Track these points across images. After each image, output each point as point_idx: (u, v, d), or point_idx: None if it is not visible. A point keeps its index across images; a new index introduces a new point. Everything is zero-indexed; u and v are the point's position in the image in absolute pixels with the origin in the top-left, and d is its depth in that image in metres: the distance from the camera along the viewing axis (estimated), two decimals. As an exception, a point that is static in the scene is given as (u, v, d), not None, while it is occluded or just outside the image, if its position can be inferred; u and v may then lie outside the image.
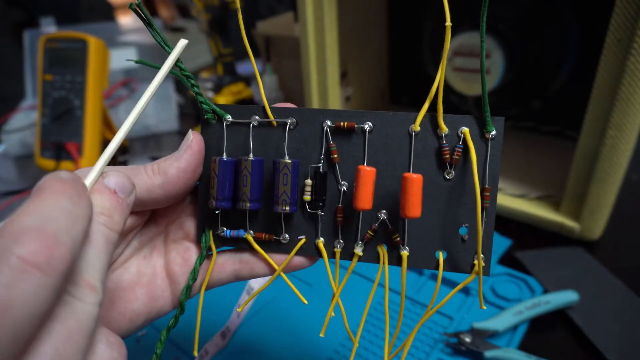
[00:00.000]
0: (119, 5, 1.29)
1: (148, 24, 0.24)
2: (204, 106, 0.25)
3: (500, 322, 0.39)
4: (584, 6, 0.56)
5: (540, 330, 0.40)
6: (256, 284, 0.43)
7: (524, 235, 0.52)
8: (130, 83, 0.87)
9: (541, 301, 0.40)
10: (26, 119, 0.79)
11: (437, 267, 0.25)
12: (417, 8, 0.69)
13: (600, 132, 0.43)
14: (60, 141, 0.64)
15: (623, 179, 0.46)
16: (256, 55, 0.93)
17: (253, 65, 0.26)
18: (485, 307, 0.24)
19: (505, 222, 0.54)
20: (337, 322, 0.41)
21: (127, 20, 1.28)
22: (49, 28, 0.88)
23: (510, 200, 0.54)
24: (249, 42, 0.25)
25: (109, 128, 0.72)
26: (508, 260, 0.48)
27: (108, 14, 1.19)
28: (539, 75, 0.62)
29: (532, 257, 0.48)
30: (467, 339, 0.37)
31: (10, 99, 0.91)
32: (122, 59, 0.89)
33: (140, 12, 0.23)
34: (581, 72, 0.59)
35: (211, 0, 0.78)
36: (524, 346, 0.38)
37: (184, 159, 0.24)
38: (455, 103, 0.68)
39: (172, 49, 0.25)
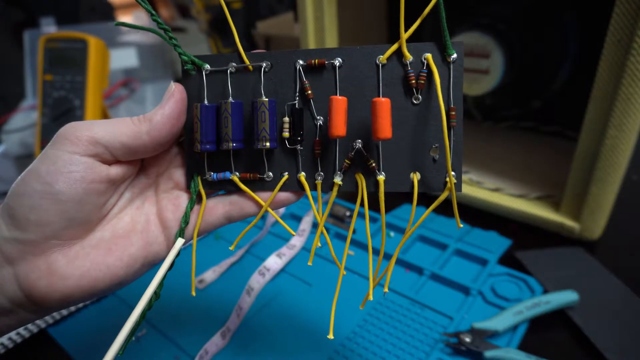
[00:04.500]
0: (119, 6, 1.29)
1: (151, 15, 0.25)
2: (183, 57, 0.27)
3: (500, 322, 0.39)
4: (584, 6, 0.56)
5: (540, 330, 0.40)
6: (256, 284, 0.43)
7: (524, 235, 0.52)
8: (130, 83, 0.87)
9: (541, 301, 0.40)
10: (26, 119, 0.79)
11: (412, 189, 0.26)
12: (417, 8, 0.69)
13: (600, 132, 0.43)
14: (60, 141, 0.64)
15: (623, 179, 0.47)
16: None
17: (240, 49, 0.27)
18: (462, 226, 0.25)
19: (505, 222, 0.54)
20: (338, 323, 0.41)
21: (127, 20, 1.28)
22: (49, 28, 0.88)
23: (510, 200, 0.54)
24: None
25: (109, 128, 0.72)
26: (508, 260, 0.48)
27: (108, 14, 1.19)
28: (539, 75, 0.62)
29: (532, 257, 0.48)
30: (467, 339, 0.37)
31: (10, 99, 0.91)
32: (122, 59, 0.89)
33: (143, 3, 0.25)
34: (581, 72, 0.59)
35: (211, 0, 0.78)
36: (524, 346, 0.38)
37: (168, 106, 0.25)
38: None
39: (176, 40, 0.26)
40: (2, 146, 0.81)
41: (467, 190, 0.57)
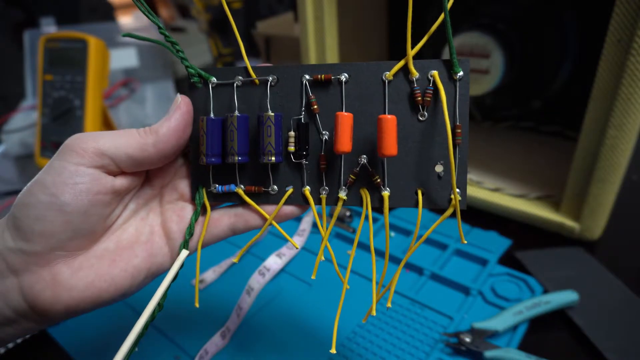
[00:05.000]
0: (119, 6, 1.29)
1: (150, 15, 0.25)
2: (190, 70, 0.27)
3: (500, 322, 0.39)
4: (584, 6, 0.56)
5: (540, 330, 0.40)
6: (256, 284, 0.43)
7: (524, 235, 0.52)
8: (130, 83, 0.87)
9: (541, 301, 0.40)
10: (26, 119, 0.79)
11: (416, 205, 0.26)
12: (417, 8, 0.69)
13: (600, 132, 0.43)
14: (61, 141, 0.64)
15: (623, 179, 0.47)
16: (256, 55, 0.93)
17: (245, 61, 0.27)
18: (466, 242, 0.26)
19: (505, 222, 0.54)
20: (338, 324, 0.41)
21: (127, 20, 1.28)
22: (49, 28, 0.88)
23: (510, 200, 0.54)
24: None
25: (109, 128, 0.72)
26: (508, 260, 0.48)
27: (108, 14, 1.19)
28: (539, 75, 0.63)
29: (532, 257, 0.48)
30: (467, 339, 0.37)
31: (11, 99, 0.91)
32: (122, 59, 0.89)
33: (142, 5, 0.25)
34: (581, 72, 0.59)
35: (211, 0, 0.78)
36: (524, 346, 0.38)
37: (174, 118, 0.26)
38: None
39: (183, 53, 0.26)
40: (2, 146, 0.81)
41: (467, 190, 0.57)
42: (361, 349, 0.39)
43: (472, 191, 0.56)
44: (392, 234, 0.53)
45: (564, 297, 0.41)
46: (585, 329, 0.39)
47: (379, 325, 0.41)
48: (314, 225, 0.54)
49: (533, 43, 0.60)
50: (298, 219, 0.56)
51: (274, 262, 0.47)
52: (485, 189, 0.57)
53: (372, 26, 0.71)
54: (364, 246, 0.51)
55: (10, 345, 0.41)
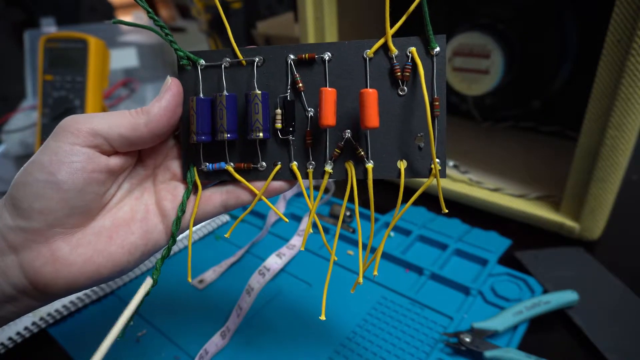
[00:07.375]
0: (119, 6, 1.29)
1: (150, 15, 0.26)
2: (179, 53, 0.28)
3: (500, 322, 0.39)
4: (584, 6, 0.56)
5: (540, 330, 0.40)
6: (256, 283, 0.43)
7: (524, 235, 0.52)
8: (130, 83, 0.87)
9: (541, 301, 0.40)
10: (26, 119, 0.79)
11: (399, 176, 0.27)
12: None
13: (600, 132, 0.43)
14: (61, 141, 0.64)
15: (623, 179, 0.47)
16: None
17: (232, 43, 0.28)
18: (447, 211, 0.27)
19: (505, 222, 0.54)
20: (338, 323, 0.41)
21: (127, 20, 1.28)
22: (49, 28, 0.88)
23: (510, 200, 0.54)
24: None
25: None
26: (508, 260, 0.48)
27: (108, 14, 1.19)
28: (538, 75, 0.63)
29: (532, 257, 0.48)
30: (467, 339, 0.37)
31: (11, 99, 0.91)
32: (122, 59, 0.89)
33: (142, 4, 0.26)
34: (581, 72, 0.59)
35: (211, 0, 0.78)
36: (523, 346, 0.38)
37: (165, 99, 0.26)
38: (454, 103, 0.68)
39: (172, 36, 0.27)
40: (2, 146, 0.81)
41: (467, 190, 0.57)
42: (361, 349, 0.39)
43: (472, 191, 0.56)
44: (392, 233, 0.53)
45: (564, 297, 0.41)
46: (585, 329, 0.39)
47: (379, 325, 0.41)
48: (314, 225, 0.54)
49: (533, 43, 0.60)
50: (298, 220, 0.56)
51: (274, 262, 0.47)
52: (485, 189, 0.57)
53: (372, 27, 0.71)
54: (363, 247, 0.51)
55: (11, 345, 0.41)
